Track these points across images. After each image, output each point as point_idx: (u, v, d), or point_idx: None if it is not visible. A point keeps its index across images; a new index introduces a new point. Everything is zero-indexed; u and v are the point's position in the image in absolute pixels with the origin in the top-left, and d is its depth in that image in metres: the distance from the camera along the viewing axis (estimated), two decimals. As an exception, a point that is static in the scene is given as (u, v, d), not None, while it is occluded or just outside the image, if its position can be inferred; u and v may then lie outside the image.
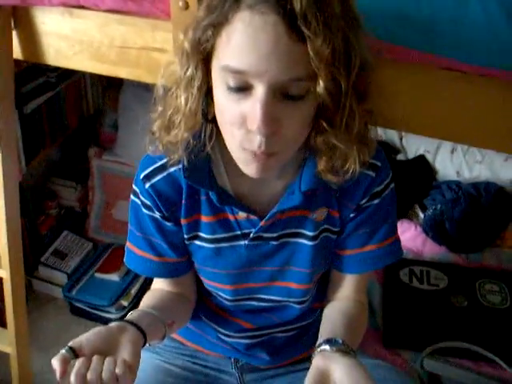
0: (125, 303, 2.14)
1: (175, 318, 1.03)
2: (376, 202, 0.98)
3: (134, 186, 0.99)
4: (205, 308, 1.14)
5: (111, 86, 2.48)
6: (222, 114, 0.80)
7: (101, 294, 2.14)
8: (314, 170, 0.89)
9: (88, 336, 0.85)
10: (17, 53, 1.27)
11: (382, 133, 2.14)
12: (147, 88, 2.39)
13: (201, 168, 0.91)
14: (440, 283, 1.71)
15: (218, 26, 0.75)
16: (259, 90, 0.73)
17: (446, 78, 0.93)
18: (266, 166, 0.81)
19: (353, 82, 0.75)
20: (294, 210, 0.95)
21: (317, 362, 0.86)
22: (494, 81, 0.91)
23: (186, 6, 0.98)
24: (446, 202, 1.91)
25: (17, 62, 1.34)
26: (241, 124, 0.77)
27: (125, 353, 0.83)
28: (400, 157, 2.17)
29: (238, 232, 0.98)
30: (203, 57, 0.79)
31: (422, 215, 1.98)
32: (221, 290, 1.05)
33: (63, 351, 0.80)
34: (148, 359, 1.15)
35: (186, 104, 0.83)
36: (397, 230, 1.05)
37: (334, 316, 1.03)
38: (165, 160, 0.94)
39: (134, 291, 2.17)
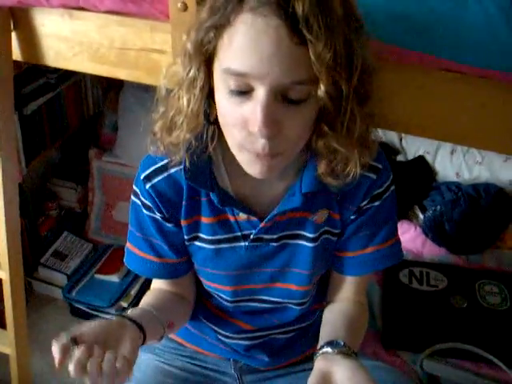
0: (125, 304, 2.14)
1: (174, 319, 1.03)
2: (377, 204, 0.98)
3: (134, 187, 0.99)
4: (204, 309, 1.14)
5: (111, 88, 2.48)
6: (223, 116, 0.80)
7: (101, 295, 2.14)
8: (314, 172, 0.89)
9: (89, 326, 0.83)
10: (16, 54, 1.27)
11: (382, 134, 2.14)
12: (147, 89, 2.40)
13: (202, 169, 0.91)
14: (440, 284, 1.71)
15: (220, 27, 0.75)
16: (260, 93, 0.73)
17: (445, 80, 0.93)
18: (270, 167, 0.81)
19: (354, 86, 0.75)
20: (295, 211, 0.95)
21: (319, 364, 0.86)
22: (493, 82, 0.91)
23: (185, 8, 0.98)
24: (445, 203, 1.91)
25: (17, 63, 1.34)
26: (242, 126, 0.77)
27: (124, 349, 0.83)
28: (400, 158, 2.17)
29: (239, 233, 0.98)
30: (205, 58, 0.79)
31: (421, 216, 1.98)
32: (220, 291, 1.05)
33: (64, 339, 0.79)
34: (147, 360, 1.16)
35: (188, 105, 0.83)
36: (397, 231, 1.05)
37: (334, 318, 1.04)
38: (166, 161, 0.94)
39: (133, 292, 2.17)
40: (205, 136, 0.89)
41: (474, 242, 1.87)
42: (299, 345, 1.18)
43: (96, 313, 2.15)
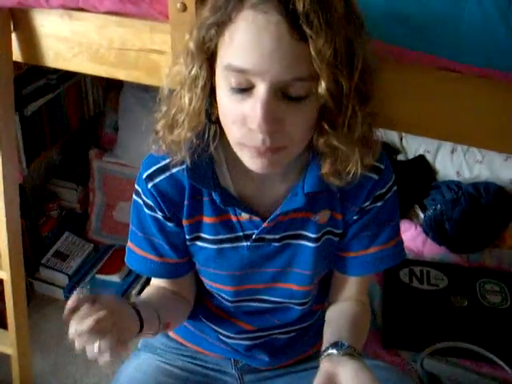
0: (126, 304, 2.14)
1: (171, 318, 1.03)
2: (379, 204, 0.98)
3: (136, 186, 0.99)
4: (205, 309, 1.14)
5: (111, 88, 2.49)
6: (224, 113, 0.80)
7: (102, 295, 2.14)
8: (317, 172, 0.89)
9: (106, 297, 0.83)
10: (16, 55, 1.27)
11: (382, 133, 2.14)
12: (147, 89, 2.40)
13: (204, 169, 0.91)
14: (440, 283, 1.71)
15: (221, 25, 0.75)
16: (260, 89, 0.73)
17: (444, 79, 0.93)
18: (271, 162, 0.80)
19: (355, 84, 0.75)
20: (297, 211, 0.95)
21: (324, 365, 0.87)
22: (491, 82, 0.91)
23: (184, 8, 0.98)
24: (445, 202, 1.91)
25: (17, 64, 1.34)
26: (242, 123, 0.77)
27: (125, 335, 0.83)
28: (400, 157, 2.17)
29: (241, 233, 0.98)
30: (207, 56, 0.79)
31: (422, 215, 1.98)
32: (222, 291, 1.05)
33: (84, 291, 0.80)
34: (148, 360, 1.16)
35: (190, 103, 0.83)
36: (400, 231, 1.05)
37: (338, 318, 1.04)
38: (168, 160, 0.94)
39: (134, 292, 2.18)
40: (206, 135, 0.89)
41: (474, 241, 1.87)
42: (300, 345, 1.18)
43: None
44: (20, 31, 1.23)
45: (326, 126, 0.79)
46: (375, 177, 0.95)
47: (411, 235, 1.95)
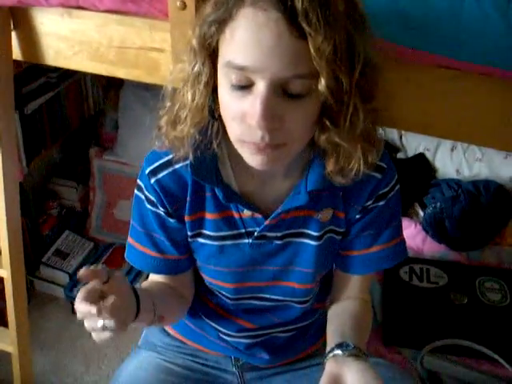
0: (126, 302, 2.14)
1: (167, 313, 1.01)
2: (381, 203, 0.98)
3: (138, 181, 0.99)
4: (205, 307, 1.14)
5: (112, 86, 2.49)
6: (225, 110, 0.80)
7: (102, 293, 2.14)
8: (320, 170, 0.89)
9: (118, 277, 0.84)
10: (16, 53, 1.27)
11: (382, 131, 2.13)
12: (147, 88, 2.40)
13: (207, 165, 0.91)
14: (440, 281, 1.71)
15: (222, 22, 0.75)
16: (260, 86, 0.73)
17: (443, 77, 0.93)
18: (271, 158, 0.80)
19: (357, 81, 0.75)
20: (300, 209, 0.95)
21: (330, 367, 0.88)
22: (491, 79, 0.91)
23: (184, 6, 0.98)
24: (445, 199, 1.91)
25: (17, 62, 1.34)
26: (242, 120, 0.77)
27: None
28: (400, 155, 2.17)
29: (243, 230, 0.98)
30: (209, 53, 0.79)
31: (421, 213, 1.98)
32: (223, 288, 1.05)
33: (103, 267, 0.79)
34: (149, 358, 1.16)
35: (193, 100, 0.83)
36: (402, 230, 1.06)
37: (341, 318, 1.05)
38: (171, 156, 0.94)
39: (135, 290, 2.18)
40: (210, 132, 0.89)
41: (474, 239, 1.87)
42: (300, 343, 1.18)
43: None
44: (20, 30, 1.23)
45: (328, 123, 0.79)
46: (378, 176, 0.95)
47: (411, 233, 1.95)
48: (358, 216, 0.99)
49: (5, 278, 1.56)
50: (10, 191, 1.45)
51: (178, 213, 0.98)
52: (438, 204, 1.91)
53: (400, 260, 1.05)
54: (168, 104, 0.90)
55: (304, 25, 0.69)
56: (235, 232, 0.98)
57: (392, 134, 2.19)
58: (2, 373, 1.92)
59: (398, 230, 1.04)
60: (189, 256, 1.04)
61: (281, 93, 0.74)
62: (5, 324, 1.70)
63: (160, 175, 0.95)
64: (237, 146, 0.83)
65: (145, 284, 1.07)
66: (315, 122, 0.80)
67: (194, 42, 0.80)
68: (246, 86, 0.75)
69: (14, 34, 1.24)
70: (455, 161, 2.08)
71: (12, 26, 1.23)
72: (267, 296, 1.07)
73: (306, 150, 0.87)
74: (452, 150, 2.08)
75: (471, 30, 0.85)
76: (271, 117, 0.74)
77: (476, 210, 1.87)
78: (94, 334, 0.79)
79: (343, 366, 0.86)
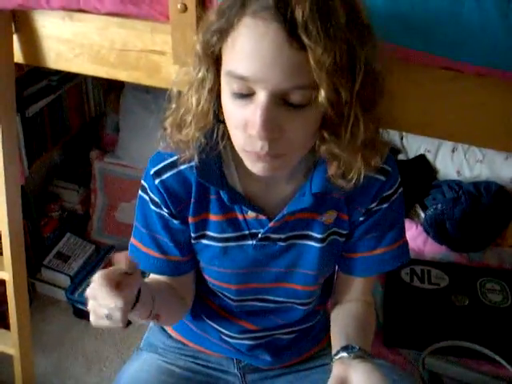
0: (127, 305, 2.14)
1: (164, 312, 0.98)
2: (385, 206, 0.98)
3: (142, 182, 0.99)
4: (207, 309, 1.14)
5: (112, 89, 2.49)
6: (227, 117, 0.80)
7: (103, 295, 2.14)
8: (324, 173, 0.89)
9: (139, 273, 0.82)
10: (18, 56, 1.28)
11: (386, 134, 2.13)
12: (148, 90, 2.40)
13: (212, 167, 0.92)
14: (441, 282, 1.71)
15: (224, 31, 0.75)
16: (261, 96, 0.73)
17: (443, 78, 0.93)
18: (272, 166, 0.81)
19: (357, 92, 0.75)
20: (304, 212, 0.95)
21: (337, 369, 0.89)
22: (492, 80, 0.91)
23: (185, 9, 0.99)
24: (446, 201, 1.91)
25: (19, 65, 1.35)
26: (243, 128, 0.77)
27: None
28: (401, 156, 2.17)
29: (246, 232, 0.98)
30: (213, 60, 0.80)
31: (422, 215, 1.98)
32: (226, 289, 1.06)
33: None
34: (150, 360, 1.16)
35: (198, 105, 0.84)
36: (405, 233, 1.06)
37: (345, 321, 1.05)
38: (175, 157, 0.94)
39: (136, 293, 2.18)
40: (215, 135, 0.89)
41: (475, 240, 1.87)
42: (302, 345, 1.18)
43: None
44: (21, 33, 1.24)
45: (326, 134, 0.79)
46: (382, 178, 0.95)
47: (412, 234, 1.95)
48: (361, 218, 0.99)
49: (6, 281, 1.57)
50: (11, 194, 1.45)
51: (181, 214, 0.98)
52: (439, 205, 1.91)
53: (403, 262, 1.06)
54: (173, 106, 0.90)
55: (304, 37, 0.69)
56: (239, 233, 0.99)
57: (393, 135, 2.19)
58: (3, 375, 1.93)
59: (401, 232, 1.05)
60: (192, 257, 1.04)
61: (281, 103, 0.74)
62: (6, 326, 1.70)
63: (164, 176, 0.95)
64: (240, 154, 0.83)
65: (147, 279, 1.07)
66: (315, 132, 0.80)
67: (198, 47, 0.80)
68: (247, 95, 0.75)
69: (15, 37, 1.25)
70: (456, 162, 2.08)
71: (13, 29, 1.24)
72: (270, 298, 1.07)
73: (310, 153, 0.87)
74: (453, 151, 2.08)
75: (471, 31, 0.85)
76: (271, 127, 0.74)
77: (477, 212, 1.87)
78: (92, 317, 0.78)
79: (349, 368, 0.87)
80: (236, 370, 1.18)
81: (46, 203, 2.38)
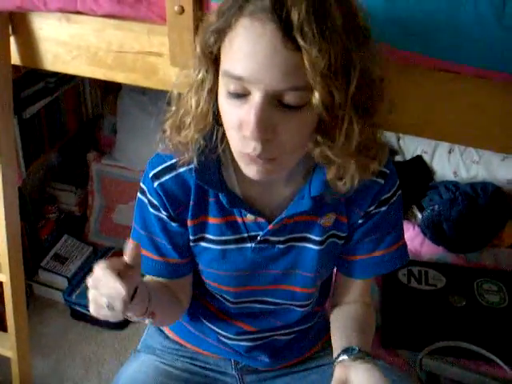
0: (125, 307, 2.14)
1: (159, 311, 0.96)
2: (384, 209, 0.98)
3: (141, 184, 0.99)
4: (205, 310, 1.14)
5: (110, 91, 2.49)
6: (224, 118, 0.81)
7: (101, 297, 2.14)
8: (323, 176, 0.88)
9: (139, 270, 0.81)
10: (15, 58, 1.28)
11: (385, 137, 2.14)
12: (145, 92, 2.40)
13: (211, 170, 0.92)
14: (438, 283, 1.71)
15: (222, 31, 0.76)
16: (255, 97, 0.73)
17: (441, 80, 0.93)
18: (265, 170, 0.81)
19: (352, 96, 0.74)
20: (303, 214, 0.95)
21: (338, 372, 0.90)
22: (489, 82, 0.91)
23: (182, 11, 0.99)
24: (443, 202, 1.92)
25: (16, 67, 1.34)
26: (238, 129, 0.77)
27: None
28: (398, 158, 2.18)
29: (245, 234, 0.98)
30: (212, 61, 0.80)
31: (419, 216, 1.98)
32: (224, 291, 1.06)
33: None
34: (148, 361, 1.16)
35: (197, 106, 0.84)
36: (403, 235, 1.06)
37: (345, 323, 1.05)
38: (174, 160, 0.94)
39: (134, 295, 2.17)
40: (214, 137, 0.89)
41: (472, 241, 1.87)
42: (300, 346, 1.18)
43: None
44: (18, 35, 1.24)
45: (320, 138, 0.78)
46: (381, 181, 0.95)
47: (409, 236, 1.95)
48: (360, 221, 0.99)
49: (4, 283, 1.56)
50: (8, 195, 1.45)
51: (180, 217, 0.98)
52: (436, 206, 1.92)
53: (402, 264, 1.07)
54: (173, 108, 0.90)
55: (299, 38, 0.69)
56: (238, 236, 0.99)
57: (390, 136, 2.19)
58: (1, 377, 1.92)
59: (400, 234, 1.05)
60: (190, 260, 1.04)
61: (276, 103, 0.74)
62: (4, 328, 1.70)
63: (163, 179, 0.95)
64: (236, 156, 0.83)
65: (144, 278, 1.06)
66: (307, 136, 0.79)
67: (198, 48, 0.80)
68: (242, 95, 0.75)
69: (12, 39, 1.25)
70: (453, 163, 2.09)
71: (11, 31, 1.24)
72: (268, 300, 1.07)
73: (308, 156, 0.87)
74: (449, 152, 2.09)
75: (468, 34, 0.85)
76: (264, 128, 0.74)
77: (474, 212, 1.87)
78: (92, 306, 0.78)
79: (350, 370, 0.88)
80: (234, 372, 1.18)
81: (44, 205, 2.38)
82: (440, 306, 1.63)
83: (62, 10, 1.13)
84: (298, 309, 1.08)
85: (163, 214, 0.98)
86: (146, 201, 0.98)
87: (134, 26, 1.10)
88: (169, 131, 0.90)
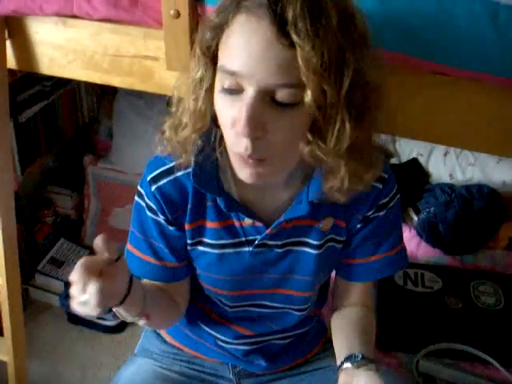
0: (122, 310, 2.14)
1: (154, 313, 0.96)
2: (382, 213, 0.99)
3: (139, 188, 0.99)
4: (203, 314, 1.14)
5: (106, 95, 2.49)
6: (218, 116, 0.81)
7: (97, 301, 2.14)
8: (321, 180, 0.88)
9: (124, 268, 0.82)
10: (11, 62, 1.28)
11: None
12: (141, 96, 2.40)
13: (209, 173, 0.91)
14: (434, 285, 1.71)
15: (219, 27, 0.76)
16: (248, 92, 0.74)
17: (435, 83, 0.94)
18: (257, 173, 0.80)
19: (345, 96, 0.74)
20: (301, 219, 0.95)
21: (343, 380, 0.91)
22: (483, 85, 0.91)
23: (178, 15, 0.99)
24: (439, 204, 1.92)
25: (12, 71, 1.35)
26: (232, 128, 0.77)
27: None
28: (393, 160, 2.18)
29: (243, 238, 0.98)
30: (211, 58, 0.80)
31: (415, 218, 1.98)
32: (222, 295, 1.05)
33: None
34: (145, 365, 1.16)
35: (195, 105, 0.84)
36: (402, 238, 1.07)
37: (347, 327, 1.06)
38: (172, 163, 0.94)
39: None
40: (212, 139, 0.89)
41: (467, 243, 1.87)
42: (297, 350, 1.18)
43: (93, 319, 2.15)
44: (15, 39, 1.24)
45: (311, 137, 0.78)
46: (379, 186, 0.96)
47: (405, 238, 1.90)
48: (359, 225, 1.00)
49: (0, 286, 1.56)
50: (5, 199, 1.45)
51: (178, 221, 0.98)
52: (432, 209, 1.92)
53: (401, 267, 1.07)
54: (173, 109, 0.90)
55: (293, 35, 0.69)
56: (236, 240, 0.98)
57: (385, 139, 2.19)
58: (-3, 382, 1.92)
59: (399, 238, 1.06)
60: (187, 264, 1.04)
61: (269, 101, 0.74)
62: (0, 333, 1.70)
63: (161, 182, 0.95)
64: (231, 157, 0.83)
65: (142, 281, 1.06)
66: (299, 137, 0.79)
67: (197, 47, 0.81)
68: (236, 92, 0.75)
69: (8, 43, 1.25)
70: (448, 165, 2.09)
71: (7, 35, 1.24)
72: (266, 304, 1.07)
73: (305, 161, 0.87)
74: (445, 154, 2.09)
75: (462, 37, 0.86)
76: (255, 124, 0.74)
77: (469, 215, 1.87)
78: (72, 301, 0.78)
79: (353, 379, 0.89)
80: (231, 375, 1.18)
81: (40, 209, 2.37)
82: (436, 308, 1.63)
83: (58, 14, 1.14)
84: (296, 313, 1.08)
85: (161, 218, 0.97)
86: (143, 204, 0.98)
87: (130, 30, 1.11)
88: (167, 132, 0.90)
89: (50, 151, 2.32)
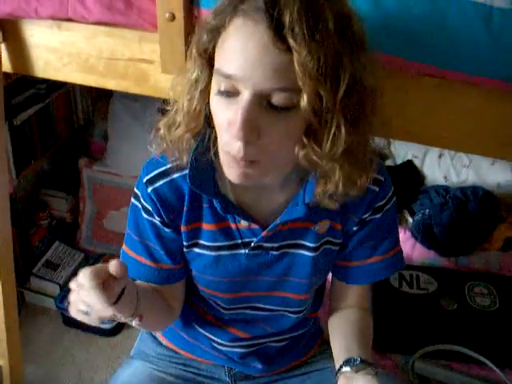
0: (117, 313, 2.13)
1: (147, 314, 0.94)
2: (378, 216, 0.99)
3: (135, 189, 0.99)
4: (199, 317, 1.14)
5: (100, 97, 2.49)
6: (214, 118, 0.81)
7: (93, 304, 2.13)
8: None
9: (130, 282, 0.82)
10: (6, 66, 1.27)
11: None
12: (136, 99, 2.40)
13: (205, 175, 0.91)
14: (429, 287, 1.72)
15: (216, 30, 0.76)
16: (244, 96, 0.74)
17: (428, 85, 0.94)
18: (246, 173, 0.80)
19: (341, 101, 0.74)
20: (297, 221, 0.95)
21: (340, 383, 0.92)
22: (475, 87, 0.92)
23: (173, 18, 0.99)
24: (434, 206, 1.92)
25: (6, 74, 1.34)
26: (226, 129, 0.77)
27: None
28: (388, 162, 2.18)
29: (239, 241, 0.98)
30: (207, 60, 0.80)
31: (410, 220, 1.99)
32: (218, 298, 1.05)
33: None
34: (141, 368, 1.16)
35: (189, 105, 0.84)
36: (399, 241, 1.07)
37: (344, 330, 1.06)
38: (169, 165, 0.94)
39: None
40: (206, 139, 0.89)
41: (462, 245, 1.88)
42: (293, 352, 1.19)
43: (89, 322, 2.14)
44: (9, 42, 1.24)
45: (305, 140, 0.78)
46: (375, 189, 0.96)
47: (400, 240, 1.94)
48: (355, 228, 1.00)
49: (-5, 289, 1.56)
50: (0, 202, 1.45)
51: (174, 223, 0.98)
52: (427, 211, 1.92)
53: (398, 270, 1.08)
54: (169, 108, 0.90)
55: (289, 39, 0.69)
56: (232, 242, 0.98)
57: (380, 141, 2.19)
58: (-8, 385, 1.91)
59: (396, 240, 1.06)
60: (183, 266, 1.04)
61: (265, 104, 0.74)
62: (-5, 336, 1.69)
63: (157, 184, 0.95)
64: (221, 156, 0.83)
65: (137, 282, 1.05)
66: (295, 142, 0.79)
67: (194, 49, 0.81)
68: (232, 94, 0.75)
69: (3, 47, 1.25)
70: (443, 167, 2.09)
71: (1, 38, 1.23)
72: (262, 306, 1.07)
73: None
74: (440, 156, 2.10)
75: (455, 39, 0.86)
76: (250, 128, 0.74)
77: (464, 216, 1.88)
78: (71, 308, 0.78)
79: (352, 382, 0.91)
80: (227, 378, 1.18)
81: (35, 212, 2.36)
82: (432, 310, 1.63)
83: (53, 17, 1.14)
84: (292, 315, 1.08)
85: (157, 220, 0.97)
86: (139, 206, 0.98)
87: (125, 33, 1.11)
88: (162, 129, 0.90)
89: (45, 154, 2.31)
